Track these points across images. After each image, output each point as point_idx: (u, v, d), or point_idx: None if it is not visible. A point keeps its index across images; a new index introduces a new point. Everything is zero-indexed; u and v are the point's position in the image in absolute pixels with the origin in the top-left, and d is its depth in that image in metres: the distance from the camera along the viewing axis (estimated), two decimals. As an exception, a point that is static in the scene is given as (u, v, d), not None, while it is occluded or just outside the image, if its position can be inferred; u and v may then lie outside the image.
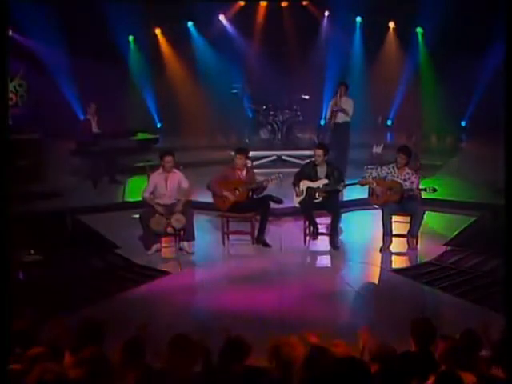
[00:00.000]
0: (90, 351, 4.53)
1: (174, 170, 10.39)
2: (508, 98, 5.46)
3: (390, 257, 10.04)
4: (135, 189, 13.15)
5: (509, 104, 5.44)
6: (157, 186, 10.28)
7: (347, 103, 13.93)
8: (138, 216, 10.36)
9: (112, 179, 14.15)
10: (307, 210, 10.42)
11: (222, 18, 19.83)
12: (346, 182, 10.45)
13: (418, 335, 5.09)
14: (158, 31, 19.84)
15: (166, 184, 10.29)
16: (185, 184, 10.36)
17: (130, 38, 19.48)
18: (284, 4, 19.72)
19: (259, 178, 10.72)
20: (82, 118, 15.49)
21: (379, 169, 10.42)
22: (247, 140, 16.79)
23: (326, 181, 10.36)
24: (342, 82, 14.43)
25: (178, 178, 10.36)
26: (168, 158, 10.25)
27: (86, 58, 16.77)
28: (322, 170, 10.44)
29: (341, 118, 13.93)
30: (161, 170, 10.37)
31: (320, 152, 10.41)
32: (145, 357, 4.77)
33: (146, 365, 4.75)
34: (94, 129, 14.09)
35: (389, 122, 19.59)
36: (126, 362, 4.64)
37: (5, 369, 4.44)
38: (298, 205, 10.57)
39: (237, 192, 10.43)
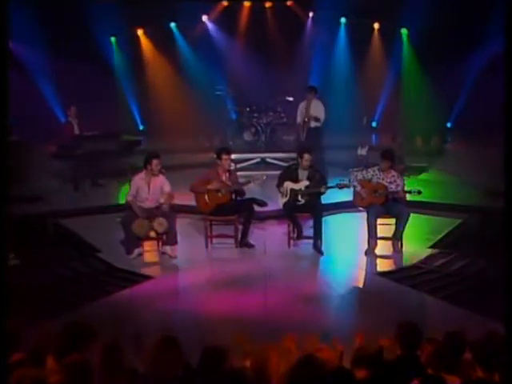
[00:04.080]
0: (73, 358, 4.51)
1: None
2: (508, 99, 5.46)
3: (375, 260, 10.05)
4: (117, 192, 13.10)
5: (509, 105, 5.44)
6: (139, 190, 10.21)
7: (318, 108, 13.95)
8: (119, 219, 10.31)
9: (93, 182, 14.10)
10: (290, 213, 10.43)
11: (205, 18, 19.83)
12: (328, 185, 10.48)
13: (403, 339, 5.09)
14: (140, 32, 19.81)
15: (148, 188, 10.23)
16: (167, 188, 10.31)
17: (112, 38, 19.43)
18: (268, 4, 19.76)
19: (241, 180, 10.73)
20: (63, 120, 15.42)
21: (364, 171, 10.45)
22: (231, 142, 16.75)
23: (307, 182, 10.37)
24: (311, 87, 14.45)
25: (160, 181, 10.30)
26: (156, 161, 10.17)
27: (67, 59, 16.71)
28: (303, 173, 10.46)
29: (312, 123, 13.98)
30: (143, 173, 10.29)
31: (308, 157, 10.43)
32: (123, 361, 4.75)
33: (132, 369, 4.73)
34: (76, 131, 14.02)
35: (374, 124, 19.65)
36: (105, 367, 4.62)
37: None
38: (282, 207, 10.58)
39: (219, 194, 10.42)
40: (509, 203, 5.33)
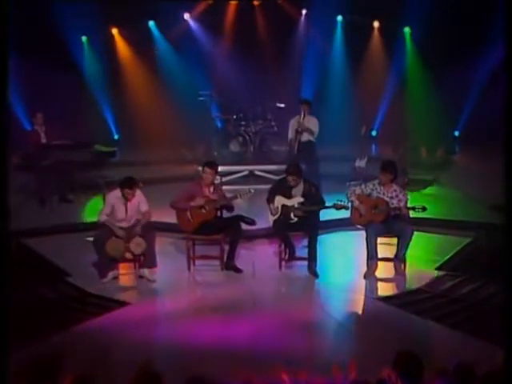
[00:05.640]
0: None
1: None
2: (508, 104, 5.49)
3: (376, 283, 10.05)
4: (89, 208, 13.08)
5: (509, 111, 5.47)
6: (115, 210, 10.12)
7: (311, 123, 13.96)
8: (91, 239, 10.27)
9: (62, 197, 14.05)
10: (281, 231, 10.42)
11: (186, 16, 19.87)
12: (324, 205, 10.45)
13: (401, 368, 5.06)
14: (115, 31, 19.85)
15: (125, 208, 10.15)
16: (144, 207, 10.26)
17: (84, 38, 19.44)
18: (256, 2, 19.82)
19: (228, 195, 10.73)
20: (28, 127, 15.39)
21: (363, 185, 10.46)
22: (216, 153, 16.78)
23: (301, 199, 10.37)
24: (305, 101, 14.43)
25: (137, 200, 10.22)
26: (128, 191, 10.05)
27: (33, 60, 16.69)
28: (297, 188, 10.45)
29: (305, 137, 13.98)
30: (119, 191, 10.21)
31: (291, 178, 10.42)
32: None
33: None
34: (42, 140, 13.98)
35: (373, 133, 19.72)
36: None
37: None
38: (272, 224, 10.57)
39: (203, 210, 10.41)
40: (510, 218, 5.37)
